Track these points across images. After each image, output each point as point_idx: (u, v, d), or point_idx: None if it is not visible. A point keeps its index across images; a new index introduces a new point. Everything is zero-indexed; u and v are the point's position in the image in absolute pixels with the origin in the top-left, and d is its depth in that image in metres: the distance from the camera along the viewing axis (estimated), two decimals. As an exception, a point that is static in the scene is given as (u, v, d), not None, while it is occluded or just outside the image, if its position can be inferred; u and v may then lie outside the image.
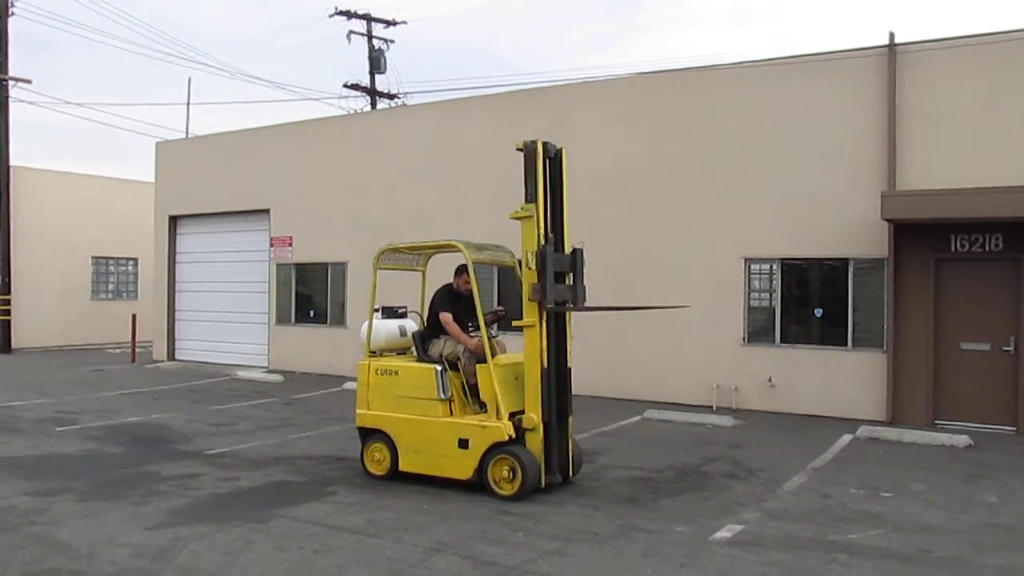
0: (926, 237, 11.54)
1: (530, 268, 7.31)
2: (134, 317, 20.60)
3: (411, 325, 8.85)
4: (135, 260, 25.58)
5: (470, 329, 8.13)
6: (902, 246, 11.69)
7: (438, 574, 5.42)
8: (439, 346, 8.08)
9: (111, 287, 25.58)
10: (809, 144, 12.45)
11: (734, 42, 76.86)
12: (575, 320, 8.09)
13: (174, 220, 20.25)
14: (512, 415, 7.36)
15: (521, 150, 7.64)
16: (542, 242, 7.39)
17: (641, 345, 13.54)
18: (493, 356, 7.60)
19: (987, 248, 11.29)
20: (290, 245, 17.96)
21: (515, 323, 7.50)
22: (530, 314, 7.37)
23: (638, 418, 11.96)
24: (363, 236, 16.75)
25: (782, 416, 12.15)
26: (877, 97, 11.95)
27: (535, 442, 7.33)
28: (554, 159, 7.77)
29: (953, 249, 11.47)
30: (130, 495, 7.39)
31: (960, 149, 11.41)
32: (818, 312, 12.53)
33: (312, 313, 17.80)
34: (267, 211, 18.33)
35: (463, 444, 7.47)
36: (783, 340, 12.67)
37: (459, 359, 7.89)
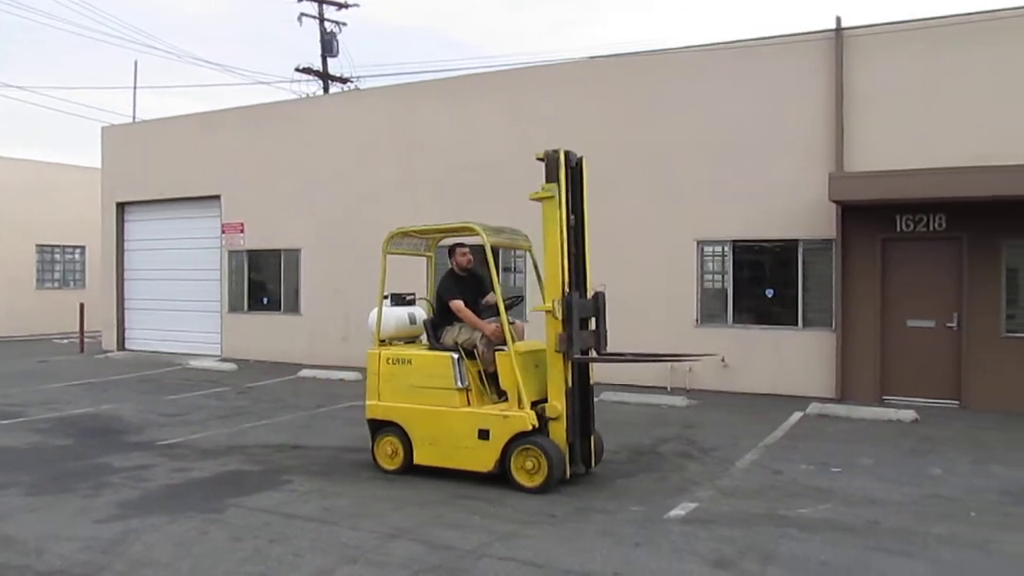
0: (873, 217, 11.78)
1: (556, 318, 7.00)
2: (82, 306, 20.18)
3: (420, 312, 8.51)
4: (82, 248, 25.04)
5: (482, 313, 7.88)
6: (850, 227, 11.91)
7: (395, 559, 5.42)
8: (453, 333, 7.74)
9: (57, 276, 25.01)
10: (759, 127, 12.60)
11: (692, 24, 77.30)
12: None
13: (122, 207, 19.81)
14: (533, 404, 7.12)
15: (542, 159, 7.29)
16: (563, 224, 7.12)
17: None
18: (512, 342, 7.30)
19: (931, 227, 11.57)
20: (242, 231, 17.70)
21: (534, 308, 7.33)
22: (553, 298, 7.10)
23: (596, 400, 12.00)
24: (317, 222, 16.61)
25: (735, 395, 12.35)
26: (825, 80, 12.14)
27: (559, 432, 7.05)
28: (575, 168, 7.46)
29: (899, 229, 11.73)
30: (79, 488, 7.25)
31: (905, 131, 11.65)
32: (769, 293, 12.73)
33: (266, 300, 17.60)
34: (218, 197, 18.04)
35: (484, 435, 7.17)
36: (736, 321, 12.85)
37: (475, 346, 7.57)
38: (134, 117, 22.57)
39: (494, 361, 7.43)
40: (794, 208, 12.29)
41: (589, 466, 7.50)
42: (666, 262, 13.19)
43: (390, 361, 7.75)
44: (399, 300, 8.43)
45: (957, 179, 10.60)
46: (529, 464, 7.01)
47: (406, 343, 8.24)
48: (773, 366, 12.42)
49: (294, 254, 17.05)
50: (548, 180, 7.22)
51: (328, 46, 26.97)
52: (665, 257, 13.20)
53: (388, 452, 7.74)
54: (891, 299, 11.81)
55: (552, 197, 7.14)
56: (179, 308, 18.78)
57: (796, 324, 12.39)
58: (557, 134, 13.92)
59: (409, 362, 7.68)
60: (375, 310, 8.06)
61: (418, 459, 7.55)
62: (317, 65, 26.90)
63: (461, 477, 7.32)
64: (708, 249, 13.18)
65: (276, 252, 17.32)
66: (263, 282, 17.72)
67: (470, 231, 7.64)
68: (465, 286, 7.97)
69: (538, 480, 6.96)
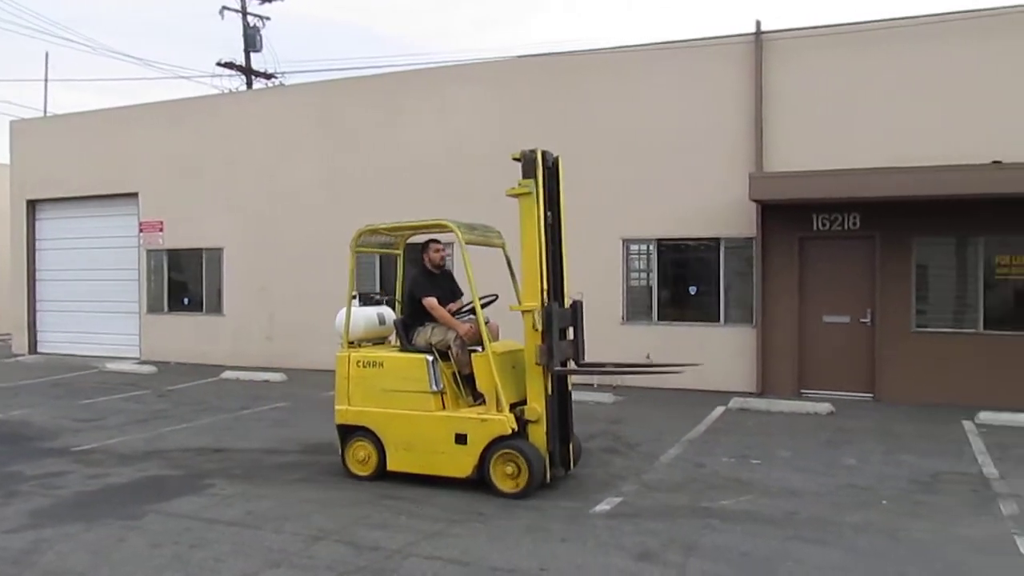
0: (791, 217, 12.12)
1: (536, 329, 6.82)
2: (-10, 309, 19.33)
3: (389, 312, 8.15)
4: (-11, 247, 23.95)
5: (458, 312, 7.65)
6: (769, 226, 12.24)
7: (320, 561, 5.35)
8: (425, 334, 7.43)
9: (-37, 277, 23.86)
10: (683, 128, 12.85)
11: (620, 25, 78.20)
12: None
13: (33, 204, 19.04)
14: (511, 406, 6.90)
15: (518, 160, 7.08)
16: (541, 221, 6.93)
17: (520, 326, 13.64)
18: (489, 343, 7.06)
19: (846, 226, 11.97)
20: (161, 230, 17.21)
21: (512, 308, 7.09)
22: (531, 297, 6.95)
23: (522, 398, 12.08)
24: (240, 220, 16.28)
25: (660, 391, 12.52)
26: (746, 83, 12.44)
27: (539, 435, 6.86)
28: (551, 168, 7.25)
29: (815, 228, 12.10)
30: (-13, 497, 6.95)
31: (823, 132, 12.04)
32: (692, 290, 13.00)
33: (186, 301, 17.16)
34: (135, 195, 17.49)
35: (461, 439, 6.94)
36: (660, 318, 13.08)
37: (450, 347, 7.30)
38: (45, 111, 21.72)
39: (470, 363, 7.18)
40: (716, 207, 12.56)
41: (568, 469, 7.31)
42: (592, 260, 13.30)
43: (360, 364, 7.45)
44: (367, 300, 8.07)
45: (868, 180, 10.99)
46: (509, 469, 6.79)
47: (374, 344, 7.94)
48: (697, 361, 12.63)
49: (216, 253, 16.66)
50: (525, 177, 7.01)
51: (251, 40, 26.43)
52: (591, 255, 13.31)
53: (360, 457, 7.43)
54: (808, 296, 12.18)
55: (529, 193, 6.93)
56: (95, 309, 18.15)
57: (718, 321, 12.67)
58: (485, 133, 13.99)
59: (381, 365, 7.38)
60: (343, 310, 7.75)
61: (391, 465, 7.27)
62: (240, 60, 26.35)
63: (390, 478, 7.26)
64: (634, 248, 13.38)
65: (197, 251, 16.89)
66: (184, 282, 17.27)
67: (443, 228, 7.39)
68: (438, 283, 7.70)
69: (519, 485, 6.74)
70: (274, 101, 16.95)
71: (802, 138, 12.15)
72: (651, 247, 13.17)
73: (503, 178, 13.70)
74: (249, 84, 26.29)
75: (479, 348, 7.19)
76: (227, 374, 14.79)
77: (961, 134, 11.26)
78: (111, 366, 16.19)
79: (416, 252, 8.00)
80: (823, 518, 6.29)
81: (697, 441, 9.17)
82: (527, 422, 6.90)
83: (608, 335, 13.10)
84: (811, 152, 11.97)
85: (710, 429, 9.86)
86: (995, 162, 10.53)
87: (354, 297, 7.83)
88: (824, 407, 10.86)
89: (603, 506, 6.56)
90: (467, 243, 7.30)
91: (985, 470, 7.81)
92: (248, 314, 16.18)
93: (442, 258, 7.84)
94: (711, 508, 6.53)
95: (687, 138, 12.81)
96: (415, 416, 7.16)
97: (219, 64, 25.91)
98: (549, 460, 6.94)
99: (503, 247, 8.03)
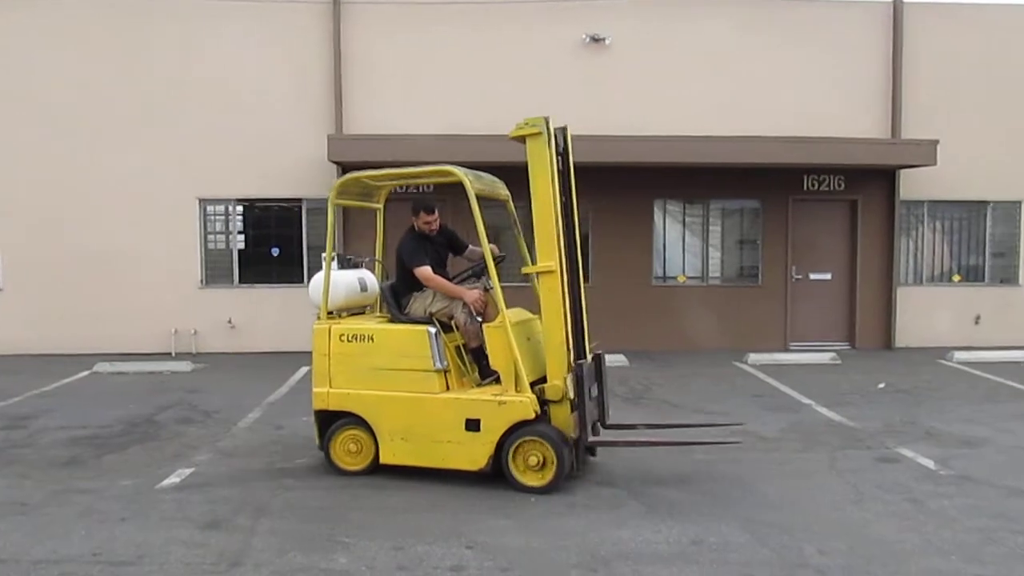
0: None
1: (569, 398, 5.83)
2: None
3: (371, 277, 6.98)
4: None
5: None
6: (350, 187, 12.48)
7: None
8: (424, 302, 6.35)
9: None
10: (263, 85, 12.56)
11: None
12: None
13: None
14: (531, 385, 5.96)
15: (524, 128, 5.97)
16: (554, 169, 5.84)
17: (90, 294, 12.46)
18: (491, 313, 6.09)
19: (420, 190, 12.64)
20: None
21: (525, 270, 6.13)
22: (547, 256, 5.87)
23: (87, 373, 11.03)
24: None
25: (243, 356, 12.30)
26: (325, 45, 12.51)
27: (563, 417, 5.94)
28: (561, 142, 6.19)
29: (395, 190, 12.56)
30: None
31: (397, 98, 12.57)
32: (275, 251, 12.85)
33: None
34: None
35: (472, 426, 5.94)
36: (242, 280, 12.77)
37: (453, 317, 6.29)
38: None
39: (479, 335, 6.18)
40: (298, 168, 12.54)
41: (593, 454, 6.63)
42: (164, 221, 12.55)
43: (344, 338, 6.24)
44: (343, 262, 6.83)
45: (426, 145, 11.49)
46: (533, 459, 5.89)
47: (352, 315, 6.71)
48: (280, 324, 12.58)
49: None
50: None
51: None
52: (163, 215, 12.55)
53: (351, 449, 6.33)
54: (388, 253, 12.66)
55: (539, 133, 5.88)
56: None
57: (301, 281, 12.67)
58: (30, 70, 12.39)
59: (370, 339, 6.22)
60: (319, 275, 6.50)
61: (385, 458, 6.20)
62: None
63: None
64: (211, 208, 12.81)
65: None
66: None
67: (447, 175, 6.25)
68: (432, 247, 6.59)
69: (546, 477, 5.88)
70: None
71: (378, 103, 12.57)
72: (231, 207, 12.73)
73: (51, 122, 12.31)
74: None
75: (480, 318, 6.30)
76: None
77: (504, 107, 12.43)
78: None
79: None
80: (387, 466, 6.42)
81: (278, 403, 9.14)
82: (549, 403, 6.02)
83: (186, 301, 12.57)
84: (387, 116, 12.44)
85: (293, 390, 9.88)
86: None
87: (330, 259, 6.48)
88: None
89: (172, 479, 6.24)
90: (477, 195, 6.16)
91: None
92: None
93: (431, 230, 6.64)
94: (287, 468, 6.55)
95: (266, 95, 12.53)
96: (416, 399, 6.12)
97: None
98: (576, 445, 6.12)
99: (508, 201, 7.00)
